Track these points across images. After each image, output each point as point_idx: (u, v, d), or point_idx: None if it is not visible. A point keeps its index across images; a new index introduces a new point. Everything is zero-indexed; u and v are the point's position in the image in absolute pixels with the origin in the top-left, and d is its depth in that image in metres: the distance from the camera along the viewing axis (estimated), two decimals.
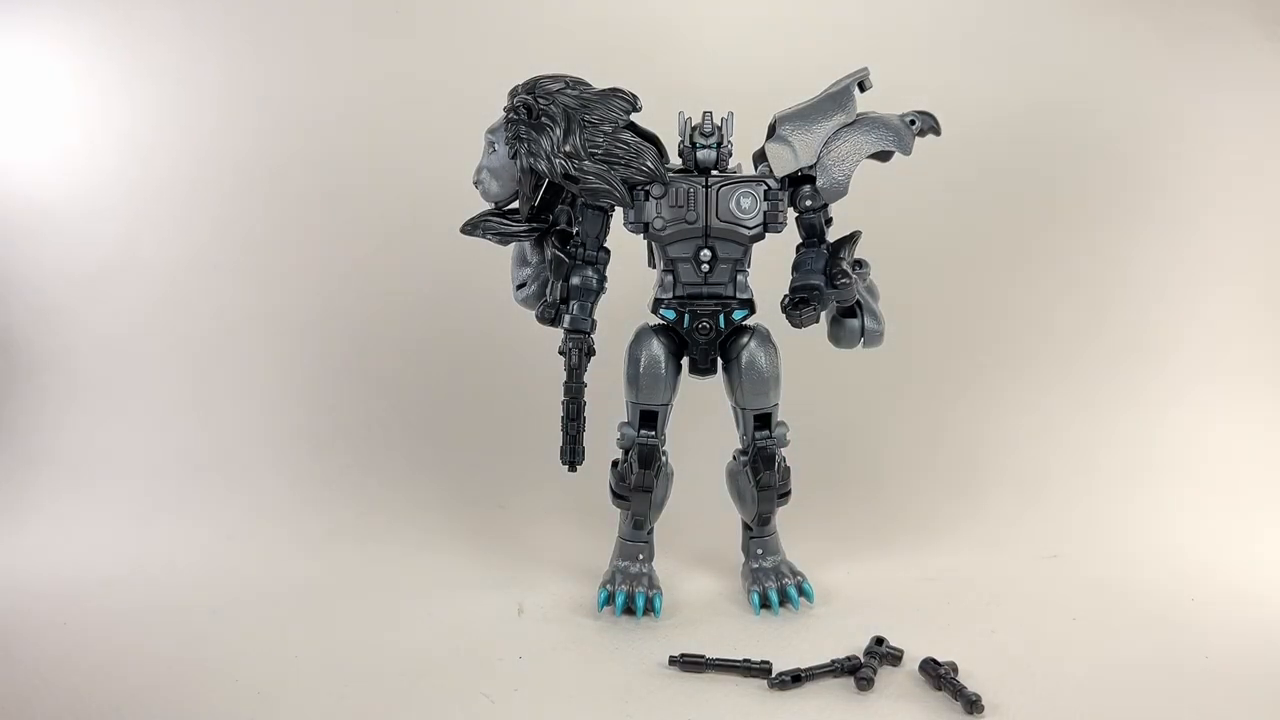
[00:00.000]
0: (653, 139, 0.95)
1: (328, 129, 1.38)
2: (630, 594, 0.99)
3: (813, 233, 0.96)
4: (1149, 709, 0.82)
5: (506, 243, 0.98)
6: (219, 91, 1.37)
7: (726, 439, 1.03)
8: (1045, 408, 1.37)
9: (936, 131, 0.96)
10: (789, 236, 0.96)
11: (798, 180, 0.95)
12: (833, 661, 0.87)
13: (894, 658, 0.88)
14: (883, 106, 0.96)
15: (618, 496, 0.99)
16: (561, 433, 0.94)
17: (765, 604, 0.99)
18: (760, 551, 1.02)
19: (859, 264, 0.96)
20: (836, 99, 0.95)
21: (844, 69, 0.97)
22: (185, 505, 1.23)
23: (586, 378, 0.95)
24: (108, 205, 1.36)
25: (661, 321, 0.98)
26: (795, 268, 0.96)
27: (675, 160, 0.97)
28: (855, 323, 0.96)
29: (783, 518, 1.03)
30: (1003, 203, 1.40)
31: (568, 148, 0.92)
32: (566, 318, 0.95)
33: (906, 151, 0.95)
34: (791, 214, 0.96)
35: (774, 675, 0.85)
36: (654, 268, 1.00)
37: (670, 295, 0.97)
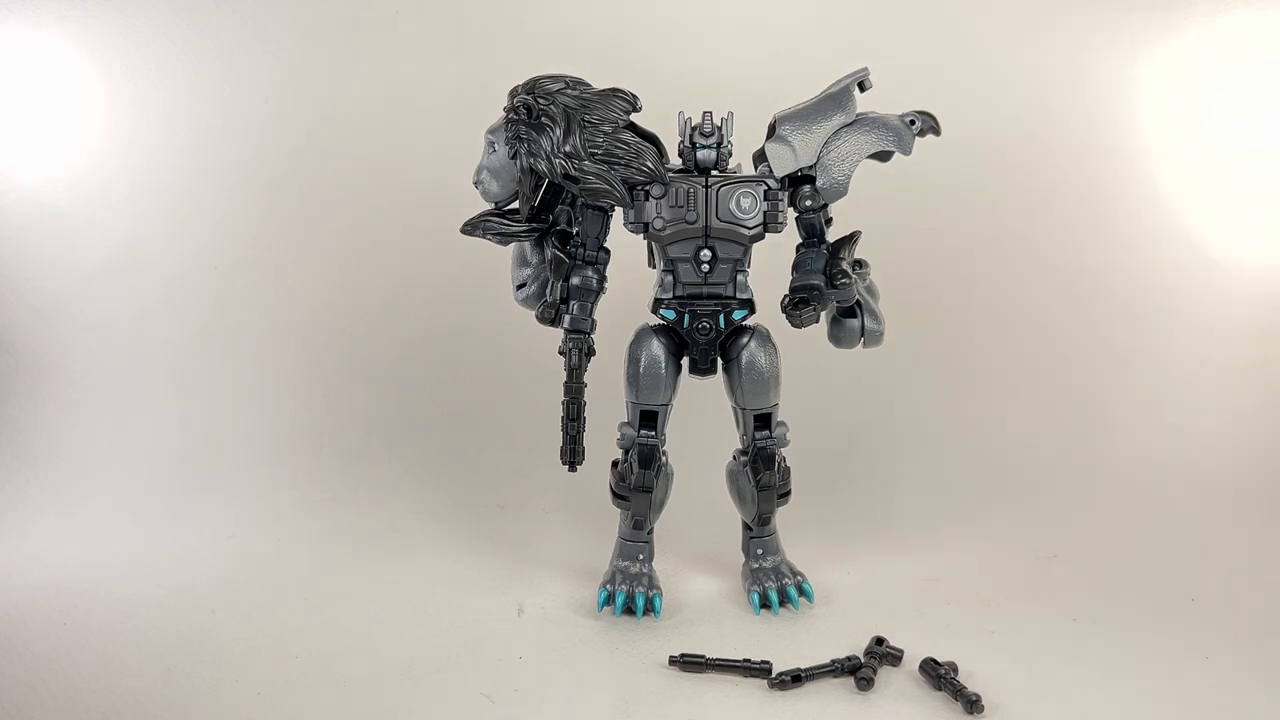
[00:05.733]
0: (653, 139, 0.95)
1: (328, 129, 1.38)
2: (630, 594, 0.99)
3: (813, 233, 0.96)
4: (1148, 709, 0.82)
5: (506, 243, 0.98)
6: (220, 92, 1.37)
7: (726, 439, 1.03)
8: (1045, 407, 1.37)
9: (936, 131, 0.96)
10: (789, 236, 0.96)
11: (798, 180, 0.95)
12: (833, 661, 0.87)
13: (894, 658, 0.88)
14: (882, 107, 0.96)
15: (618, 496, 0.99)
16: (561, 433, 0.94)
17: (765, 604, 0.99)
18: (760, 551, 1.02)
19: (859, 264, 0.96)
20: (836, 99, 0.95)
21: (844, 69, 0.97)
22: (185, 505, 1.23)
23: (586, 378, 0.95)
24: (108, 205, 1.36)
25: (661, 321, 0.98)
26: (795, 268, 0.96)
27: (675, 160, 0.97)
28: (855, 323, 0.96)
29: (783, 518, 1.03)
30: (1003, 203, 1.40)
31: (568, 148, 0.92)
32: (566, 318, 0.95)
33: (906, 152, 0.95)
34: (791, 214, 0.96)
35: (774, 675, 0.85)
36: (654, 268, 1.00)
37: (670, 295, 0.97)
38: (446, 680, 0.87)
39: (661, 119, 0.95)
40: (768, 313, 0.98)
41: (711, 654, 0.88)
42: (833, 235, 0.97)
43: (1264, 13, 1.40)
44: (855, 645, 0.90)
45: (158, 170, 1.37)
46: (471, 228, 0.97)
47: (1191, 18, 1.40)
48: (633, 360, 0.98)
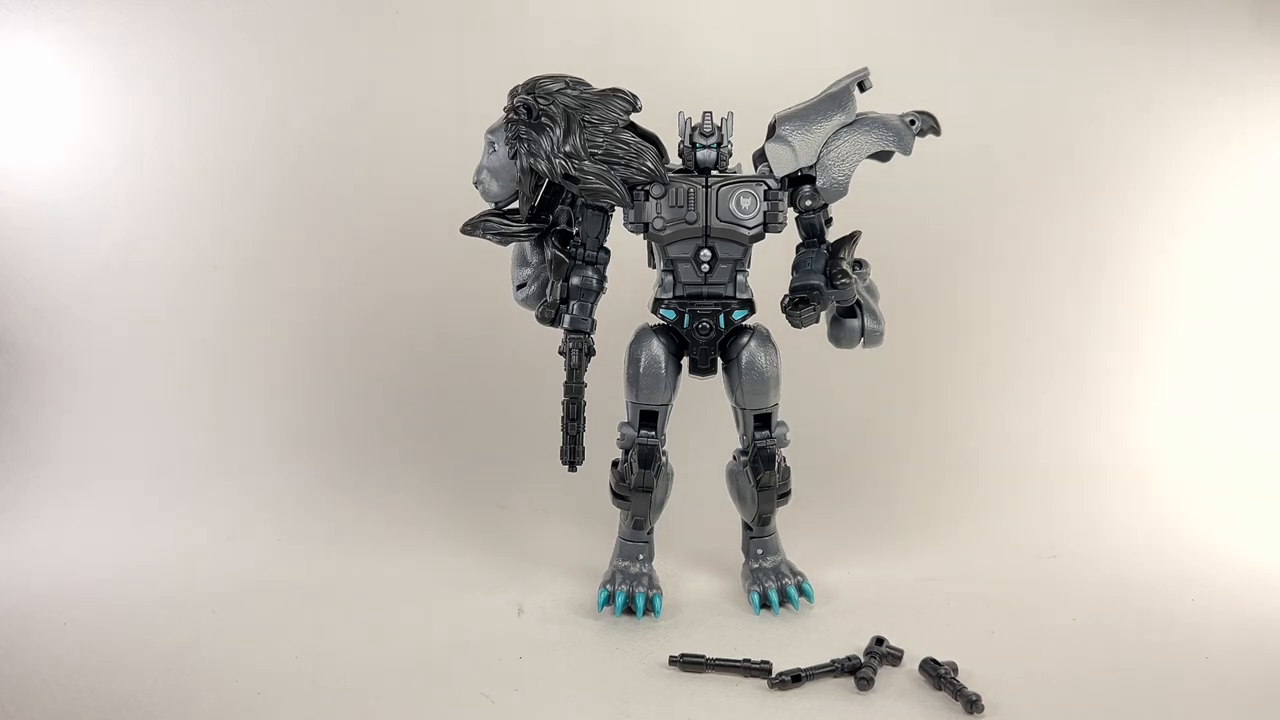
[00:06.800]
0: (653, 139, 0.95)
1: (328, 130, 1.38)
2: (630, 594, 0.99)
3: (813, 233, 0.96)
4: (1149, 709, 0.82)
5: (506, 243, 0.98)
6: (220, 92, 1.37)
7: (726, 439, 1.03)
8: (1046, 407, 1.37)
9: (936, 131, 0.96)
10: (789, 236, 0.96)
11: (797, 180, 0.95)
12: (833, 661, 0.87)
13: (894, 658, 0.88)
14: (882, 107, 0.96)
15: (618, 496, 0.99)
16: (561, 433, 0.94)
17: (765, 604, 0.99)
18: (760, 551, 1.02)
19: (859, 264, 0.96)
20: (836, 99, 0.95)
21: (844, 69, 0.97)
22: (185, 505, 1.23)
23: (586, 378, 0.95)
24: (109, 205, 1.36)
25: (661, 321, 0.98)
26: (795, 268, 0.96)
27: (675, 160, 0.97)
28: (855, 323, 0.96)
29: (783, 518, 1.03)
30: (1002, 203, 1.40)
31: (567, 148, 0.92)
32: (566, 318, 0.95)
33: (906, 152, 0.95)
34: (791, 214, 0.96)
35: (774, 675, 0.85)
36: (654, 268, 1.00)
37: (670, 295, 0.97)
38: (447, 680, 0.86)
39: (662, 119, 0.95)
40: (768, 313, 0.98)
41: (711, 654, 0.88)
42: (833, 235, 0.97)
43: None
44: (855, 645, 0.90)
45: (158, 170, 1.37)
46: (471, 228, 0.97)
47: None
48: (633, 360, 0.98)
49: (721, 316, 0.97)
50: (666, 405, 0.98)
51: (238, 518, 1.21)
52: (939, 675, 0.84)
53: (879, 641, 0.89)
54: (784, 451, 1.00)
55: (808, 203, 0.95)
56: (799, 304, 0.93)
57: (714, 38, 1.39)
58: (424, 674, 0.88)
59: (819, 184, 0.95)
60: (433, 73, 1.38)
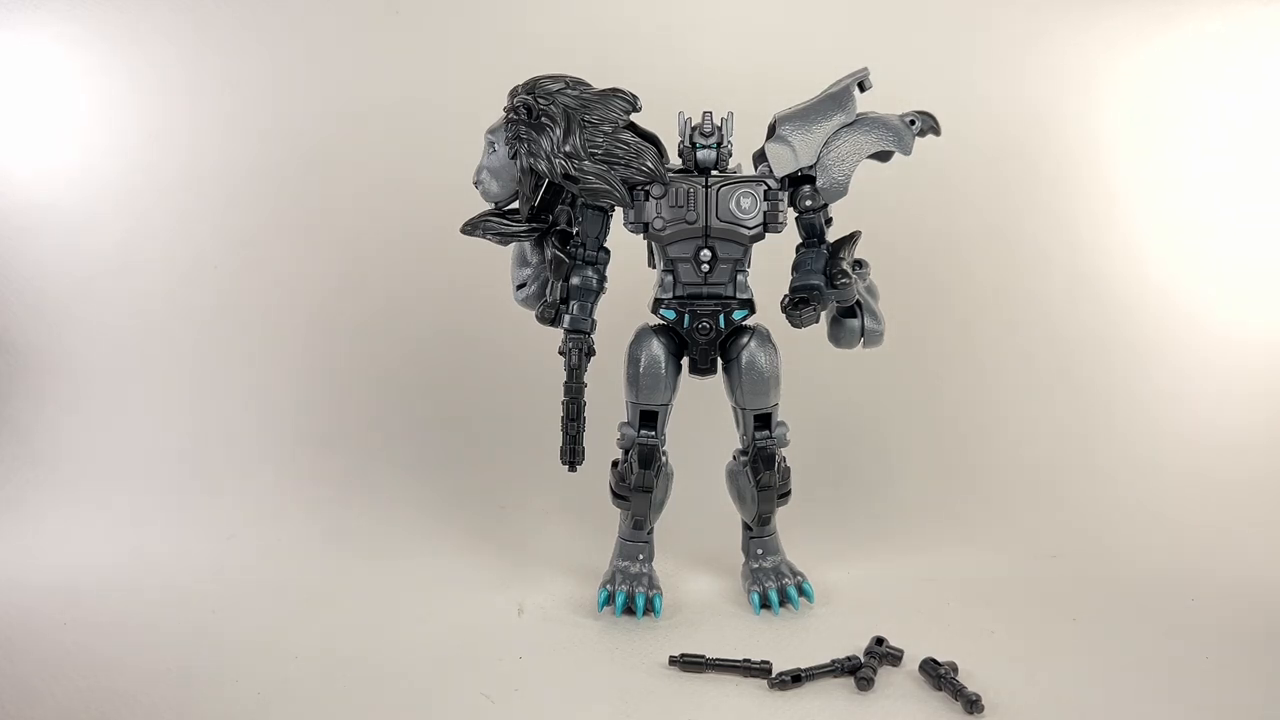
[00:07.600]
0: (653, 139, 0.95)
1: (327, 129, 1.38)
2: (630, 594, 0.99)
3: (812, 233, 0.96)
4: (1149, 709, 0.82)
5: (506, 243, 0.98)
6: (220, 92, 1.37)
7: (726, 439, 1.03)
8: (1046, 407, 1.37)
9: (936, 132, 0.96)
10: (789, 236, 0.96)
11: (797, 180, 0.95)
12: (833, 661, 0.87)
13: (894, 658, 0.88)
14: (882, 106, 0.96)
15: (618, 496, 0.99)
16: (561, 433, 0.94)
17: (765, 604, 0.99)
18: (760, 551, 1.02)
19: (859, 264, 0.96)
20: (836, 99, 0.95)
21: (844, 69, 0.97)
22: (185, 505, 1.23)
23: (586, 378, 0.95)
24: (109, 205, 1.36)
25: (661, 321, 0.98)
26: (795, 268, 0.96)
27: (675, 160, 0.97)
28: (855, 323, 0.96)
29: (783, 518, 1.03)
30: (1003, 202, 1.40)
31: (567, 148, 0.92)
32: (566, 318, 0.95)
33: (906, 152, 0.95)
34: (791, 214, 0.96)
35: (774, 675, 0.85)
36: (654, 268, 1.00)
37: (670, 295, 0.97)
38: (446, 680, 0.87)
39: (662, 119, 0.95)
40: (768, 313, 0.98)
41: (711, 654, 0.88)
42: (833, 235, 0.97)
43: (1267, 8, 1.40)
44: (855, 645, 0.90)
45: (158, 170, 1.37)
46: (471, 228, 0.97)
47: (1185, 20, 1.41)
48: (633, 360, 0.98)
49: (721, 316, 0.97)
50: (666, 405, 0.98)
51: (238, 518, 1.21)
52: (939, 675, 0.84)
53: (879, 641, 0.89)
54: (784, 451, 1.00)
55: (808, 203, 0.95)
56: (799, 304, 0.93)
57: (714, 38, 1.39)
58: (424, 674, 0.88)
59: (819, 184, 0.95)
60: (432, 72, 1.38)
